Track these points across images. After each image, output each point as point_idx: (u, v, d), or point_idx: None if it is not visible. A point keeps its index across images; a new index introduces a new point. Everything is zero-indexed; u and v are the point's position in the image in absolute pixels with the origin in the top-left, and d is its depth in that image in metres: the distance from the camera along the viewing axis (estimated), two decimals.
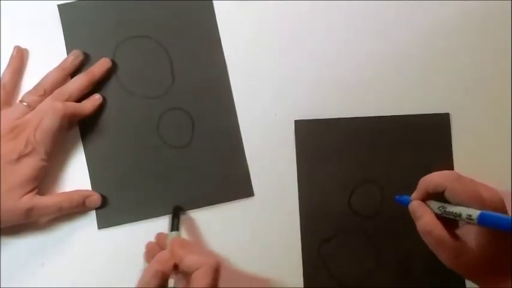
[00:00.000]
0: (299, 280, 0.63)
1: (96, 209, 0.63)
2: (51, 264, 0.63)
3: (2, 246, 0.62)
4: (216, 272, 0.53)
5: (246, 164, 0.65)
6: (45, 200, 0.60)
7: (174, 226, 0.61)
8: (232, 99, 0.65)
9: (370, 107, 0.65)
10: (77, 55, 0.65)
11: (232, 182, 0.64)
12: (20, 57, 0.65)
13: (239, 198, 0.64)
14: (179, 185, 0.64)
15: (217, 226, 0.64)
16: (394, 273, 0.62)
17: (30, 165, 0.59)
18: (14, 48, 0.65)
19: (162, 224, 0.63)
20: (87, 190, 0.64)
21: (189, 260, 0.53)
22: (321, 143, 0.65)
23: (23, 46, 0.65)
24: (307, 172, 0.64)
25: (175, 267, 0.54)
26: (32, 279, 0.62)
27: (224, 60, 0.66)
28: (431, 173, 0.61)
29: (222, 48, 0.66)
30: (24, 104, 0.61)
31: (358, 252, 0.63)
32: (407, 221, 0.63)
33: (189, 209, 0.64)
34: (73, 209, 0.62)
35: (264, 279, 0.63)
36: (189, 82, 0.66)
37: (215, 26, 0.66)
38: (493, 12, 0.67)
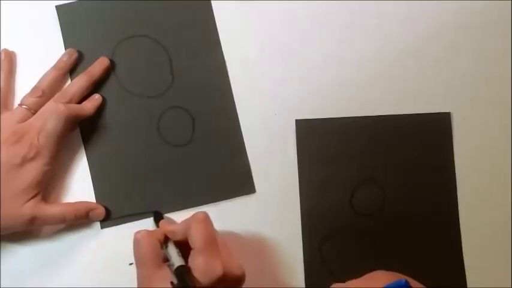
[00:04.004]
0: (300, 279, 0.63)
1: (100, 221, 0.63)
2: (51, 264, 0.63)
3: (2, 247, 0.62)
4: (203, 221, 0.55)
5: (247, 161, 0.65)
6: (49, 210, 0.60)
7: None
8: (232, 97, 0.65)
9: (371, 107, 0.66)
10: (70, 53, 0.65)
11: (234, 179, 0.65)
12: (9, 60, 0.65)
13: (240, 195, 0.64)
14: (180, 183, 0.64)
15: (219, 223, 0.63)
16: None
17: (34, 170, 0.59)
18: (2, 52, 0.64)
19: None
20: (92, 203, 0.63)
21: (179, 227, 0.56)
22: (321, 143, 0.65)
23: (21, 47, 0.65)
24: (308, 171, 0.64)
25: (167, 237, 0.57)
26: (32, 279, 0.62)
27: (223, 59, 0.66)
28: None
29: (221, 47, 0.66)
30: (24, 107, 0.61)
31: (358, 251, 0.64)
32: (408, 220, 0.64)
33: (190, 207, 0.64)
34: (76, 221, 0.62)
35: (265, 277, 0.63)
36: (188, 81, 0.66)
37: (213, 26, 0.66)
38: (493, 12, 0.67)
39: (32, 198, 0.59)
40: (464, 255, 0.64)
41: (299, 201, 0.64)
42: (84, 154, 0.64)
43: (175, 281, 0.51)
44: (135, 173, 0.64)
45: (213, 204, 0.64)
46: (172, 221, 0.63)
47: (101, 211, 0.63)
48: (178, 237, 0.56)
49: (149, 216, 0.63)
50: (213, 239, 0.54)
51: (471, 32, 0.67)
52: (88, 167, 0.64)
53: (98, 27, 0.66)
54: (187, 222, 0.55)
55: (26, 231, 0.61)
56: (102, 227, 0.63)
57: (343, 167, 0.65)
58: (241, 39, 0.66)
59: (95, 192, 0.64)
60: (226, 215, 0.64)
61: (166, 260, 0.55)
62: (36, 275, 0.62)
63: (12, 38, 0.65)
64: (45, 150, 0.59)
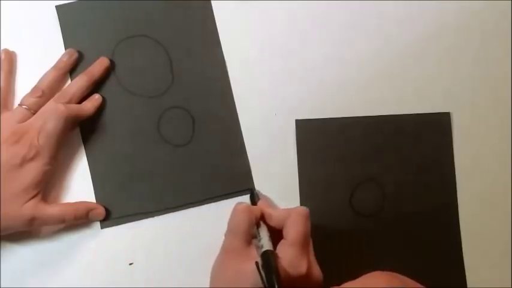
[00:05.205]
0: None
1: (100, 221, 0.63)
2: (51, 264, 0.63)
3: (2, 247, 0.62)
4: (305, 217, 0.55)
5: (247, 161, 0.65)
6: (48, 211, 0.60)
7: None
8: (232, 97, 0.65)
9: (371, 107, 0.65)
10: (71, 54, 0.65)
11: (234, 179, 0.64)
12: (9, 60, 0.65)
13: (240, 195, 0.64)
14: (180, 183, 0.64)
15: (219, 223, 0.63)
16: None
17: (34, 170, 0.59)
18: (2, 52, 0.65)
19: (164, 222, 0.63)
20: (91, 203, 0.63)
21: (277, 213, 0.57)
22: (321, 142, 0.65)
23: (21, 48, 0.66)
24: (308, 171, 0.64)
25: (262, 217, 0.57)
26: (32, 279, 0.62)
27: (223, 59, 0.66)
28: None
29: (221, 47, 0.66)
30: (24, 107, 0.61)
31: (358, 251, 0.64)
32: (408, 220, 0.64)
33: (190, 207, 0.64)
34: (76, 221, 0.62)
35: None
36: (188, 81, 0.66)
37: (213, 26, 0.66)
38: (493, 12, 0.67)
39: (31, 198, 0.59)
40: (464, 255, 0.64)
41: (299, 201, 0.64)
42: (84, 154, 0.64)
43: (260, 263, 0.51)
44: (135, 173, 0.64)
45: (213, 204, 0.64)
46: (270, 203, 0.63)
47: (100, 211, 0.63)
48: (274, 222, 0.56)
49: (157, 214, 0.64)
50: (307, 238, 0.55)
51: (471, 32, 0.67)
52: (88, 167, 0.64)
53: (98, 27, 0.66)
54: (288, 211, 0.56)
55: (26, 231, 0.61)
56: (102, 227, 0.63)
57: (343, 167, 0.65)
58: (241, 39, 0.66)
59: (95, 192, 0.64)
60: (227, 215, 0.64)
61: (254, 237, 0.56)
62: (36, 275, 0.62)
63: (12, 38, 0.66)
64: (45, 150, 0.59)
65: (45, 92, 0.63)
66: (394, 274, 0.51)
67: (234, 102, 0.65)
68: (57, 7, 0.66)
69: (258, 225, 0.57)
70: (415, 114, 0.65)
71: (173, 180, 0.64)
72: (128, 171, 0.64)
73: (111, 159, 0.64)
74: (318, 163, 0.65)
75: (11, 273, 0.62)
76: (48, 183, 0.62)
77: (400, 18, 0.67)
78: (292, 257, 0.52)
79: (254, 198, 0.62)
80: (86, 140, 0.64)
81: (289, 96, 0.66)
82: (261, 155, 0.65)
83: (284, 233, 0.54)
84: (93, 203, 0.63)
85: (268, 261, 0.51)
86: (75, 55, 0.65)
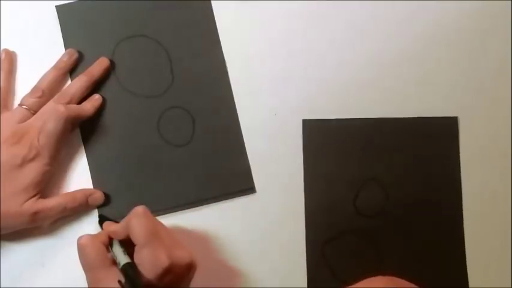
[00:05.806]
0: (302, 280, 0.63)
1: (99, 207, 0.63)
2: (51, 265, 0.63)
3: (2, 247, 0.62)
4: (140, 215, 0.54)
5: (247, 161, 0.65)
6: (48, 203, 0.60)
7: None
8: (232, 97, 0.65)
9: (377, 108, 0.65)
10: (71, 54, 0.65)
11: (234, 179, 0.64)
12: (10, 60, 0.65)
13: (241, 195, 0.64)
14: (180, 184, 0.64)
15: (219, 224, 0.64)
16: (397, 274, 0.62)
17: (34, 170, 0.59)
18: (2, 52, 0.65)
19: (164, 222, 0.63)
20: (89, 188, 0.63)
21: (119, 226, 0.56)
22: (327, 143, 0.65)
23: (22, 48, 0.66)
24: (314, 171, 0.64)
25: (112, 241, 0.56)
26: (32, 280, 0.62)
27: (223, 59, 0.66)
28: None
29: (221, 46, 0.66)
30: (24, 107, 0.61)
31: (361, 252, 0.63)
32: (411, 221, 0.64)
33: (190, 207, 0.64)
34: (77, 209, 0.62)
35: (267, 278, 0.63)
36: (188, 81, 0.66)
37: (213, 25, 0.66)
38: (493, 12, 0.67)
39: (31, 197, 0.59)
40: (467, 257, 0.63)
41: (299, 202, 0.64)
42: (84, 154, 0.64)
43: (123, 280, 0.51)
44: (135, 173, 0.64)
45: (213, 204, 0.64)
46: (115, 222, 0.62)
47: (99, 195, 0.63)
48: (121, 236, 0.55)
49: (157, 215, 0.63)
50: (155, 231, 0.54)
51: (471, 32, 0.67)
52: (88, 167, 0.64)
53: (98, 27, 0.66)
54: (126, 219, 0.55)
55: (26, 230, 0.61)
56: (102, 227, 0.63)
57: (347, 168, 0.64)
58: (241, 39, 0.66)
59: None
60: (227, 215, 0.64)
61: (115, 261, 0.55)
62: (36, 274, 0.63)
63: (12, 38, 0.66)
64: (45, 150, 0.59)
65: (45, 92, 0.63)
66: (395, 278, 0.51)
67: (234, 102, 0.65)
68: (57, 7, 0.66)
69: (111, 245, 0.56)
70: (422, 117, 0.65)
71: (173, 181, 0.64)
72: (127, 172, 0.64)
73: (111, 159, 0.64)
74: (324, 163, 0.64)
75: (11, 272, 0.62)
76: (49, 183, 0.62)
77: (404, 19, 0.67)
78: (148, 258, 0.52)
79: (102, 222, 0.61)
80: (86, 140, 0.64)
81: (289, 96, 0.66)
82: (261, 155, 0.65)
83: (132, 239, 0.53)
84: (91, 188, 0.63)
85: (128, 274, 0.51)
86: (75, 55, 0.65)
